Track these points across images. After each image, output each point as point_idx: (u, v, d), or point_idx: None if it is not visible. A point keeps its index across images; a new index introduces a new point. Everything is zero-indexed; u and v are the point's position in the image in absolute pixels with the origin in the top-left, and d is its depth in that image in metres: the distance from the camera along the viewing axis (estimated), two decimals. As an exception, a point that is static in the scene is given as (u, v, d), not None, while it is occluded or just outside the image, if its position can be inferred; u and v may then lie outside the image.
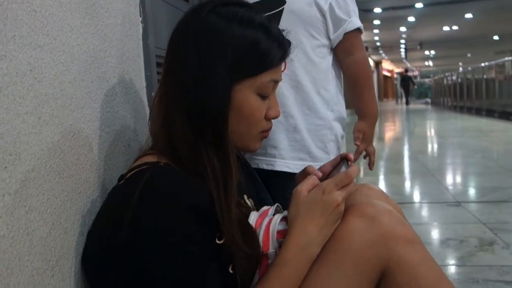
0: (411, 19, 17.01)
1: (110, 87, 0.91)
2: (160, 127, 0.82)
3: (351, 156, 0.90)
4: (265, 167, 1.24)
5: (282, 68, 0.88)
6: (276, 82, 0.87)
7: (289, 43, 0.88)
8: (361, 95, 1.31)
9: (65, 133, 0.75)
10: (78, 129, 0.79)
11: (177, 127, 0.79)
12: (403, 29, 19.71)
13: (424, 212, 3.22)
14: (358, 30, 1.27)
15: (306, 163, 1.06)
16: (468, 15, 16.34)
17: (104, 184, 0.88)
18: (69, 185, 0.75)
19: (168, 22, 1.46)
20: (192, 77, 0.79)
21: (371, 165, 1.35)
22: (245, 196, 0.94)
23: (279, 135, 1.23)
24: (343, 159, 0.90)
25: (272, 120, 0.88)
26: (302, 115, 1.24)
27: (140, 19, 1.06)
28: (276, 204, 0.90)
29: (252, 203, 0.95)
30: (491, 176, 4.26)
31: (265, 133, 0.89)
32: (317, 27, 1.23)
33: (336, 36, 1.25)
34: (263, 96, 0.84)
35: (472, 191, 3.83)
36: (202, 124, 0.79)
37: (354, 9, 1.27)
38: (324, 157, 1.25)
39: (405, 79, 24.33)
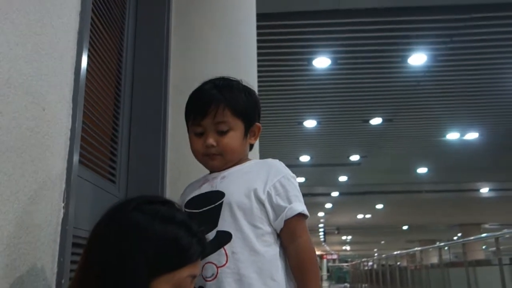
0: (328, 205, 18.14)
1: (17, 275, 0.86)
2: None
3: None
4: None
5: (201, 268, 0.90)
6: (194, 277, 0.88)
7: (206, 240, 0.92)
8: (304, 280, 1.20)
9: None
10: (-29, 324, 0.72)
11: None
12: (321, 214, 20.80)
13: None
14: (300, 215, 1.22)
15: None
16: (379, 206, 17.75)
17: None
18: None
19: (92, 201, 1.47)
20: (110, 273, 0.78)
21: None
22: None
23: None
24: None
25: None
26: None
27: (63, 204, 1.07)
28: None
29: None
30: None
31: None
32: (258, 216, 1.21)
33: (277, 224, 1.22)
34: None
35: None
36: None
37: (295, 194, 1.25)
38: None
39: None
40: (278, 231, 1.23)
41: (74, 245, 1.14)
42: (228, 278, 1.15)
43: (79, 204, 1.28)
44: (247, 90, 1.35)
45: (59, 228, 1.05)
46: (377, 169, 12.04)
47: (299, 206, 1.23)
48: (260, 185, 1.24)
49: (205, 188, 1.29)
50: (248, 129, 1.33)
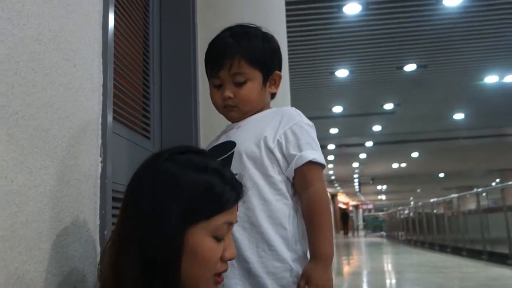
0: (362, 155, 18.02)
1: (63, 227, 0.90)
2: (109, 273, 0.81)
3: None
4: None
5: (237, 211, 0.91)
6: (230, 224, 0.89)
7: (241, 185, 0.93)
8: (313, 232, 1.18)
9: (8, 277, 0.72)
10: (23, 272, 0.76)
11: (127, 273, 0.78)
12: (356, 164, 20.73)
13: None
14: (312, 163, 1.19)
15: None
16: (415, 154, 17.51)
17: (43, 331, 0.82)
18: (5, 334, 0.71)
19: (128, 157, 1.51)
20: (146, 222, 0.80)
21: None
22: None
23: (233, 280, 1.16)
24: None
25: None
26: (257, 258, 1.16)
27: (100, 159, 1.10)
28: None
29: None
30: (448, 315, 4.21)
31: (218, 278, 0.89)
32: (268, 165, 1.20)
33: (288, 172, 1.21)
34: (218, 238, 0.86)
35: (431, 332, 3.74)
36: (153, 270, 0.78)
37: (308, 141, 1.21)
38: None
39: (344, 215, 29.48)
40: (291, 180, 1.22)
41: (114, 199, 1.17)
42: (238, 226, 1.15)
43: (116, 160, 1.31)
44: (266, 37, 1.31)
45: (98, 182, 1.09)
46: (412, 116, 11.79)
47: (311, 154, 1.19)
48: (270, 133, 1.22)
49: (222, 139, 1.30)
50: (267, 78, 1.31)
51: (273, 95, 1.38)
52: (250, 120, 1.30)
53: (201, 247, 0.83)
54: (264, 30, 1.33)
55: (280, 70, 1.36)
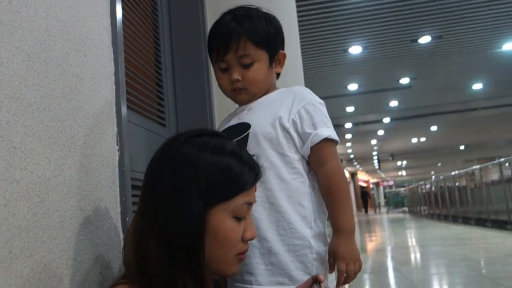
0: (380, 132, 17.87)
1: (84, 215, 0.92)
2: (134, 256, 0.82)
3: (322, 277, 0.90)
4: None
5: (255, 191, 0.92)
6: (250, 204, 0.90)
7: (259, 166, 0.93)
8: (333, 207, 1.21)
9: (35, 266, 0.74)
10: (49, 260, 0.78)
11: (151, 255, 0.79)
12: (374, 141, 20.58)
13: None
14: (327, 141, 1.21)
15: (286, 287, 0.99)
16: (434, 128, 17.29)
17: (73, 317, 0.84)
18: (36, 321, 0.72)
19: (145, 145, 1.52)
20: (167, 205, 0.81)
21: (338, 283, 1.20)
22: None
23: (254, 260, 1.18)
24: (315, 281, 0.90)
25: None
26: (277, 236, 1.18)
27: (117, 147, 1.10)
28: None
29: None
30: (475, 286, 4.19)
31: (241, 256, 0.90)
32: (285, 144, 1.21)
33: (304, 150, 1.22)
34: (239, 218, 0.87)
35: (457, 304, 3.73)
36: (177, 251, 0.79)
37: (322, 119, 1.23)
38: (305, 278, 1.15)
39: (363, 194, 30.81)
40: (307, 158, 1.23)
41: (133, 187, 1.18)
42: (257, 206, 1.17)
43: (133, 148, 1.32)
44: (267, 17, 1.31)
45: (117, 170, 1.10)
46: (429, 90, 11.62)
47: (325, 131, 1.21)
48: (284, 113, 1.23)
49: (234, 121, 1.30)
50: (273, 58, 1.31)
51: (278, 75, 1.38)
52: (261, 101, 1.30)
53: (222, 227, 0.84)
54: (264, 10, 1.33)
55: (283, 49, 1.36)
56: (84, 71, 0.96)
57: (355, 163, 29.90)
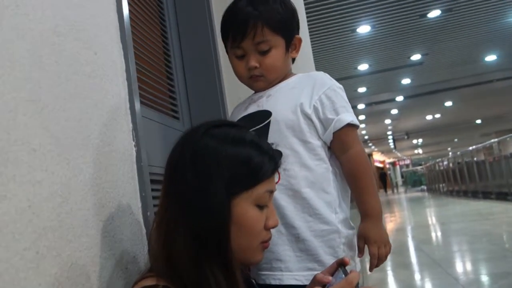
0: (394, 111, 17.70)
1: (107, 212, 0.93)
2: (160, 249, 0.83)
3: (348, 260, 0.90)
4: (272, 282, 1.18)
5: (276, 179, 0.92)
6: (271, 192, 0.91)
7: (280, 154, 0.93)
8: (359, 192, 1.22)
9: (62, 264, 0.75)
10: (76, 259, 0.79)
11: (178, 247, 0.80)
12: (388, 121, 20.41)
13: (437, 306, 3.10)
14: (349, 126, 1.21)
15: (316, 272, 1.00)
16: (448, 103, 17.06)
17: (103, 312, 0.85)
18: (67, 318, 0.74)
19: (160, 140, 1.52)
20: (192, 198, 0.82)
21: (370, 267, 1.23)
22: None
23: (282, 247, 1.18)
24: (340, 265, 0.90)
25: (274, 233, 0.90)
26: (304, 223, 1.18)
27: (133, 143, 1.11)
28: None
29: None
30: (498, 261, 4.16)
31: (265, 244, 0.91)
32: (307, 131, 1.21)
33: (326, 136, 1.21)
34: (261, 206, 0.88)
35: (482, 279, 3.71)
36: (205, 243, 0.80)
37: (343, 104, 1.22)
38: None
39: (382, 175, 31.58)
40: (329, 144, 1.23)
41: (152, 181, 1.19)
42: (282, 194, 1.17)
43: (149, 142, 1.33)
44: (282, 0, 1.28)
45: (135, 166, 1.10)
46: (442, 65, 11.44)
47: (347, 116, 1.21)
48: (305, 100, 1.22)
49: (252, 109, 1.29)
50: (289, 44, 1.29)
51: (293, 60, 1.36)
52: (280, 88, 1.29)
53: (246, 216, 0.85)
54: None
55: (298, 33, 1.34)
56: (95, 69, 0.97)
57: (370, 144, 29.74)
